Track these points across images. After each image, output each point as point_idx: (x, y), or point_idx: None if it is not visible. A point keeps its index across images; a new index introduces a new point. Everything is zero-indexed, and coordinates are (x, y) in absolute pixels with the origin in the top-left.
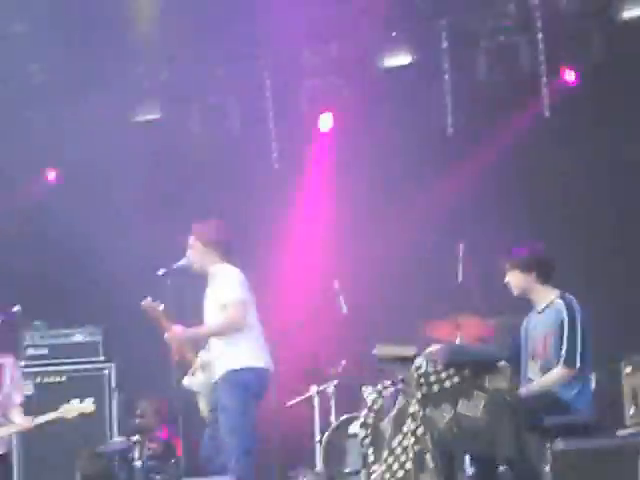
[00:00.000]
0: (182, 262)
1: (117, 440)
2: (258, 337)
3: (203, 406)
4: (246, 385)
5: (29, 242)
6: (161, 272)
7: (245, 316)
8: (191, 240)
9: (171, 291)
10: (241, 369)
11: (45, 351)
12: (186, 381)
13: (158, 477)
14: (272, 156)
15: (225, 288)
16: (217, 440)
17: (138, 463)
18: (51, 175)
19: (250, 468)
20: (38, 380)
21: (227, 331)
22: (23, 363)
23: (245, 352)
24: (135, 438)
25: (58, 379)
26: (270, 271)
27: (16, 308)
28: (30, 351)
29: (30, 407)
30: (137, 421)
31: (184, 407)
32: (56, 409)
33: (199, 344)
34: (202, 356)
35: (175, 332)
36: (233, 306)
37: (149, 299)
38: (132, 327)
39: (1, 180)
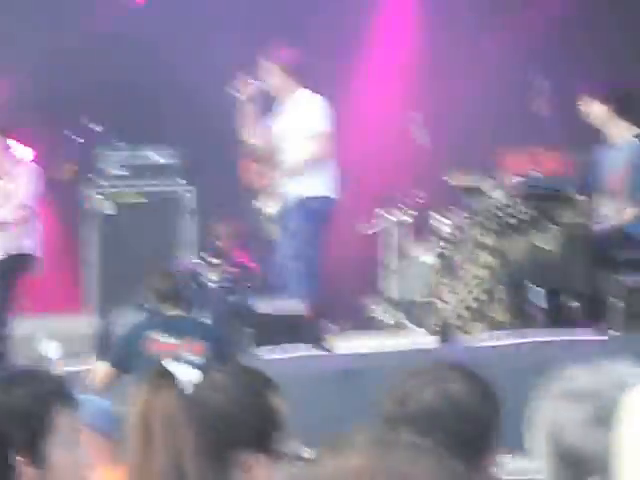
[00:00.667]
0: (258, 83)
1: (192, 260)
2: (334, 167)
3: (274, 228)
4: (319, 213)
5: (113, 63)
6: (239, 93)
7: (330, 146)
8: (268, 64)
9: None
10: (315, 197)
11: (125, 171)
12: (260, 205)
13: (232, 298)
14: None
15: (314, 119)
16: (281, 266)
17: (212, 284)
18: None
19: (315, 292)
20: (117, 200)
21: (315, 165)
22: (103, 182)
23: (321, 181)
24: (212, 260)
25: (137, 200)
26: (350, 97)
27: (98, 127)
28: (110, 171)
29: (108, 225)
30: (215, 243)
31: (260, 231)
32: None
33: (275, 169)
34: (277, 181)
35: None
36: (324, 139)
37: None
38: (212, 150)
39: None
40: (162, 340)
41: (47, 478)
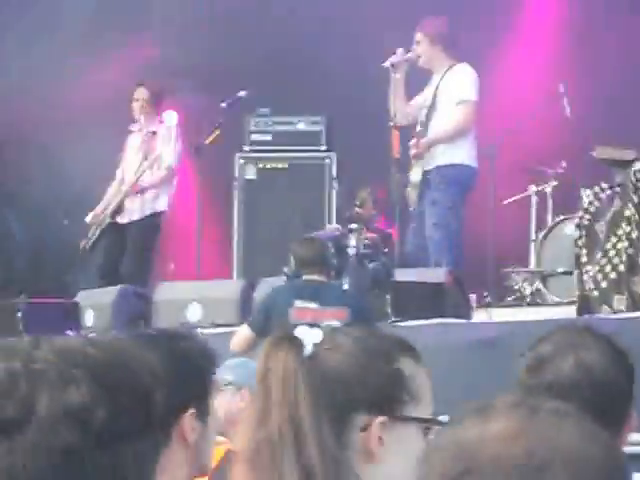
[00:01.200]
0: (409, 55)
1: (333, 227)
2: (476, 137)
3: (414, 197)
4: (460, 182)
5: (260, 31)
6: (387, 63)
7: (474, 118)
8: (418, 36)
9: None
10: (458, 165)
11: (268, 137)
12: (406, 173)
13: (371, 265)
14: None
15: (463, 86)
16: (422, 235)
17: (352, 250)
18: None
19: (457, 261)
20: (260, 166)
21: (459, 133)
22: (247, 148)
23: (464, 149)
24: (352, 226)
25: (280, 165)
26: (496, 67)
27: (242, 93)
28: (254, 137)
29: (252, 191)
30: (355, 210)
31: (401, 198)
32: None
33: (421, 138)
34: (412, 149)
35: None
36: (470, 107)
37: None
38: (354, 118)
39: None
40: (304, 306)
41: (207, 432)
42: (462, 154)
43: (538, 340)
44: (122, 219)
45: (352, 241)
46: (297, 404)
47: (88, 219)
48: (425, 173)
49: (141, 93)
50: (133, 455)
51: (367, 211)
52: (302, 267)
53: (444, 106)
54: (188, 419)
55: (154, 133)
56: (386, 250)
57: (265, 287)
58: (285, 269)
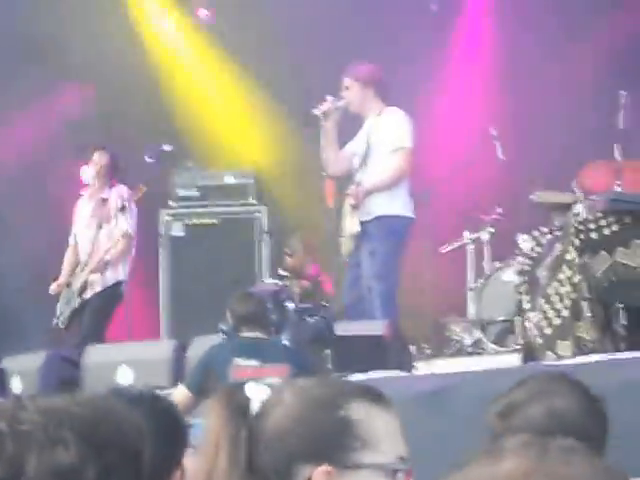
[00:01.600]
0: (339, 102)
1: (270, 282)
2: (407, 185)
3: (346, 248)
4: (399, 232)
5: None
6: (317, 112)
7: (409, 165)
8: (348, 81)
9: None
10: (395, 216)
11: (195, 192)
12: (340, 223)
13: (311, 319)
14: None
15: (399, 132)
16: (358, 286)
17: (290, 305)
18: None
19: (396, 312)
20: (188, 222)
21: (396, 181)
22: (173, 204)
23: (401, 199)
24: (284, 274)
25: (209, 221)
26: (426, 113)
27: (166, 147)
28: (181, 192)
29: (179, 248)
30: (286, 258)
31: (336, 247)
32: (205, 252)
33: (355, 187)
34: (350, 199)
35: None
36: (406, 154)
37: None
38: (282, 172)
39: None
40: (244, 364)
41: None
42: (400, 204)
43: (510, 387)
44: (85, 295)
45: (288, 290)
46: (243, 466)
47: (52, 290)
48: (362, 224)
49: (101, 158)
50: None
51: (298, 260)
52: (240, 323)
53: (378, 153)
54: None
55: (104, 200)
56: (326, 304)
57: (199, 346)
58: (222, 326)
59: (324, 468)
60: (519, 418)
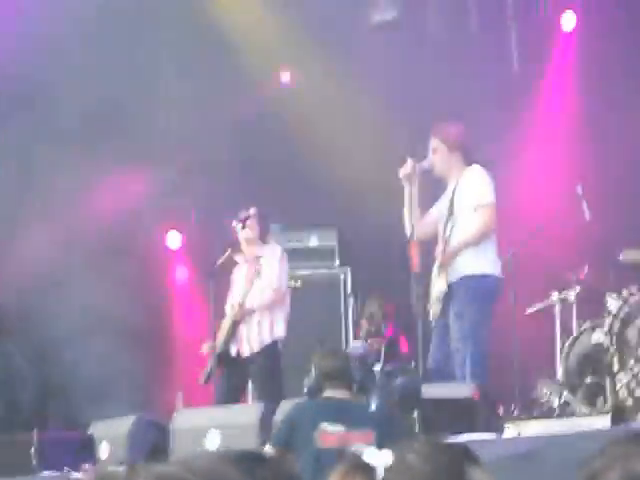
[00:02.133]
0: (424, 164)
1: (357, 343)
2: (494, 243)
3: (436, 310)
4: (486, 292)
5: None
6: (401, 174)
7: (494, 220)
8: (435, 143)
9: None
10: (482, 275)
11: None
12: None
13: (399, 380)
14: (513, 57)
15: (481, 188)
16: (445, 348)
17: (378, 366)
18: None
19: (485, 374)
20: None
21: (482, 238)
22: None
23: (487, 258)
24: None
25: (293, 283)
26: (509, 174)
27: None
28: None
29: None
30: (362, 322)
31: (422, 312)
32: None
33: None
34: (438, 260)
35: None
36: (490, 209)
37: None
38: (369, 232)
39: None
40: (330, 429)
41: None
42: (486, 263)
43: (595, 453)
44: (243, 352)
45: (378, 357)
46: None
47: (204, 349)
48: (450, 285)
49: (255, 219)
50: None
51: (374, 322)
52: (325, 380)
53: (462, 213)
54: None
55: (258, 258)
56: (413, 364)
57: (286, 409)
58: (305, 381)
59: None
60: None
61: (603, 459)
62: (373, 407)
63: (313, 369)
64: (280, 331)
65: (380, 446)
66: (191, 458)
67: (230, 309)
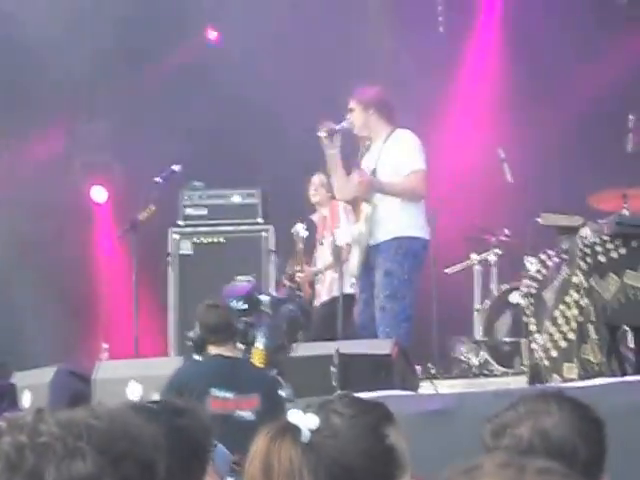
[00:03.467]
0: (343, 124)
1: (243, 279)
2: (424, 206)
3: (354, 261)
4: (417, 254)
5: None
6: (322, 133)
7: (426, 186)
8: (352, 103)
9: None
10: (414, 237)
11: (204, 211)
12: (354, 232)
13: (287, 307)
14: (438, 19)
15: (410, 154)
16: (371, 307)
17: (265, 297)
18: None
19: (409, 335)
20: (196, 240)
21: (410, 197)
22: (182, 223)
23: (416, 221)
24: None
25: (216, 240)
26: (432, 135)
27: (176, 167)
28: (188, 211)
29: (188, 266)
30: (285, 281)
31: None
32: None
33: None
34: (366, 209)
35: (368, 178)
36: (420, 176)
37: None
38: (291, 190)
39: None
40: (221, 396)
41: None
42: (417, 227)
43: (505, 407)
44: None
45: (262, 289)
46: None
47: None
48: (380, 244)
49: (317, 179)
50: None
51: (298, 284)
52: (208, 334)
53: (390, 177)
54: None
55: (324, 218)
56: (300, 294)
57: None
58: (190, 333)
59: None
60: (508, 438)
61: (513, 414)
62: (259, 370)
63: (196, 323)
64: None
65: (264, 409)
66: (98, 405)
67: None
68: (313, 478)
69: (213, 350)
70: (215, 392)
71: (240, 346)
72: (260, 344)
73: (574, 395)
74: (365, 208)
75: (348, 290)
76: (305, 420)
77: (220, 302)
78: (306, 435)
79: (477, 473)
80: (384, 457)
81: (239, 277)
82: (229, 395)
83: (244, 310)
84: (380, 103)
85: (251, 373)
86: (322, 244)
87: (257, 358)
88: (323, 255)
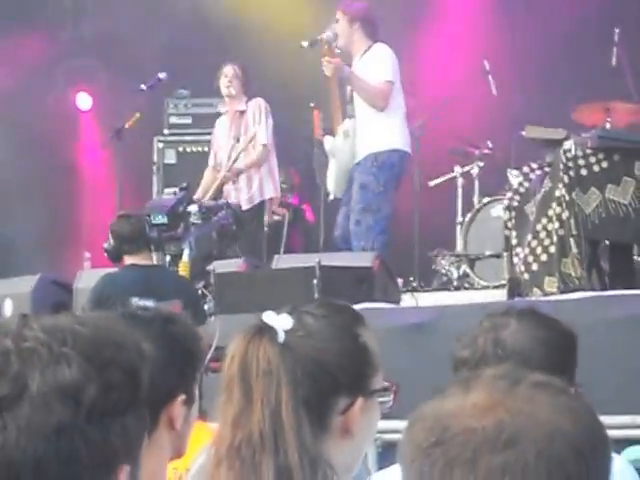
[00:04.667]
0: (327, 32)
1: (169, 191)
2: (404, 119)
3: (332, 175)
4: (391, 165)
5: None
6: (305, 43)
7: (389, 97)
8: (338, 14)
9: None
10: (386, 150)
11: (188, 120)
12: (329, 142)
13: (216, 217)
14: None
15: (379, 65)
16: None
17: (193, 207)
18: None
19: (385, 247)
20: (180, 149)
21: (371, 98)
22: (166, 132)
23: (391, 134)
24: None
25: (200, 149)
26: (418, 48)
27: (162, 75)
28: (173, 119)
29: (172, 175)
30: None
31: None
32: (196, 179)
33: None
34: (346, 123)
35: (340, 62)
36: (383, 86)
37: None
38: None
39: None
40: (142, 305)
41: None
42: (396, 139)
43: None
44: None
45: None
46: (279, 403)
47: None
48: (360, 160)
49: (231, 70)
50: (122, 430)
51: (283, 193)
52: (122, 243)
53: None
54: (178, 406)
55: (242, 112)
56: (229, 202)
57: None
58: (105, 245)
59: (356, 397)
60: (469, 349)
61: (478, 329)
62: (185, 256)
63: (110, 234)
64: (269, 192)
65: (187, 316)
66: (85, 312)
67: (215, 172)
68: (290, 376)
69: (128, 260)
70: (136, 301)
71: (167, 258)
72: (185, 256)
73: (551, 308)
74: (344, 124)
75: (271, 194)
76: (279, 321)
77: (132, 212)
78: (281, 335)
79: (474, 382)
80: (358, 355)
81: (167, 190)
82: (149, 303)
83: (164, 224)
84: (366, 19)
85: (171, 280)
86: (238, 141)
87: (182, 270)
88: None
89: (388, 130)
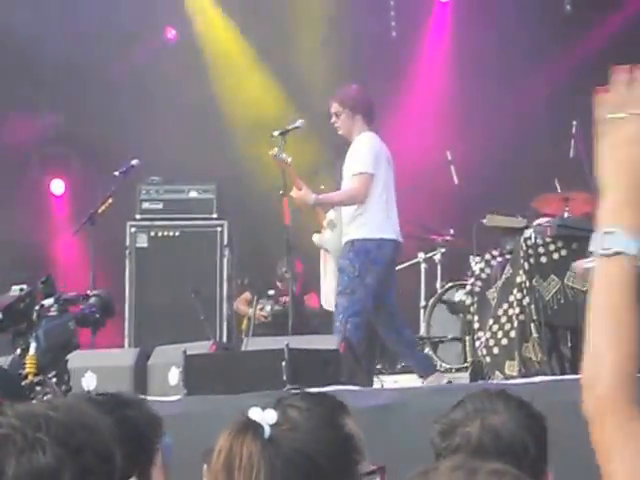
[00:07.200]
0: (297, 124)
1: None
2: (385, 208)
3: (332, 265)
4: (366, 251)
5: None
6: (276, 133)
7: (367, 190)
8: (334, 107)
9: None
10: (362, 238)
11: (160, 206)
12: (315, 238)
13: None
14: (390, 25)
15: (355, 159)
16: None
17: (48, 302)
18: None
19: (358, 329)
20: (152, 234)
21: (348, 201)
22: (139, 217)
23: (371, 223)
24: (270, 293)
25: (171, 233)
26: (384, 132)
27: (134, 162)
28: (145, 205)
29: (144, 259)
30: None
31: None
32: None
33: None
34: (330, 215)
35: (304, 194)
36: (362, 178)
37: (276, 150)
38: (247, 185)
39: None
40: None
41: None
42: (372, 227)
43: (452, 406)
44: None
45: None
46: None
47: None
48: (341, 248)
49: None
50: None
51: (287, 284)
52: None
53: (345, 177)
54: None
55: None
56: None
57: (160, 354)
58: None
59: None
60: (458, 436)
61: (461, 412)
62: (32, 350)
63: None
64: None
65: None
66: (56, 398)
67: None
68: (270, 470)
69: None
70: None
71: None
72: (32, 349)
73: (516, 392)
74: (328, 216)
75: None
76: (264, 415)
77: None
78: (267, 430)
79: (432, 475)
80: (344, 444)
81: (14, 287)
82: None
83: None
84: (366, 107)
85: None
86: None
87: (29, 362)
88: None
89: (367, 219)
